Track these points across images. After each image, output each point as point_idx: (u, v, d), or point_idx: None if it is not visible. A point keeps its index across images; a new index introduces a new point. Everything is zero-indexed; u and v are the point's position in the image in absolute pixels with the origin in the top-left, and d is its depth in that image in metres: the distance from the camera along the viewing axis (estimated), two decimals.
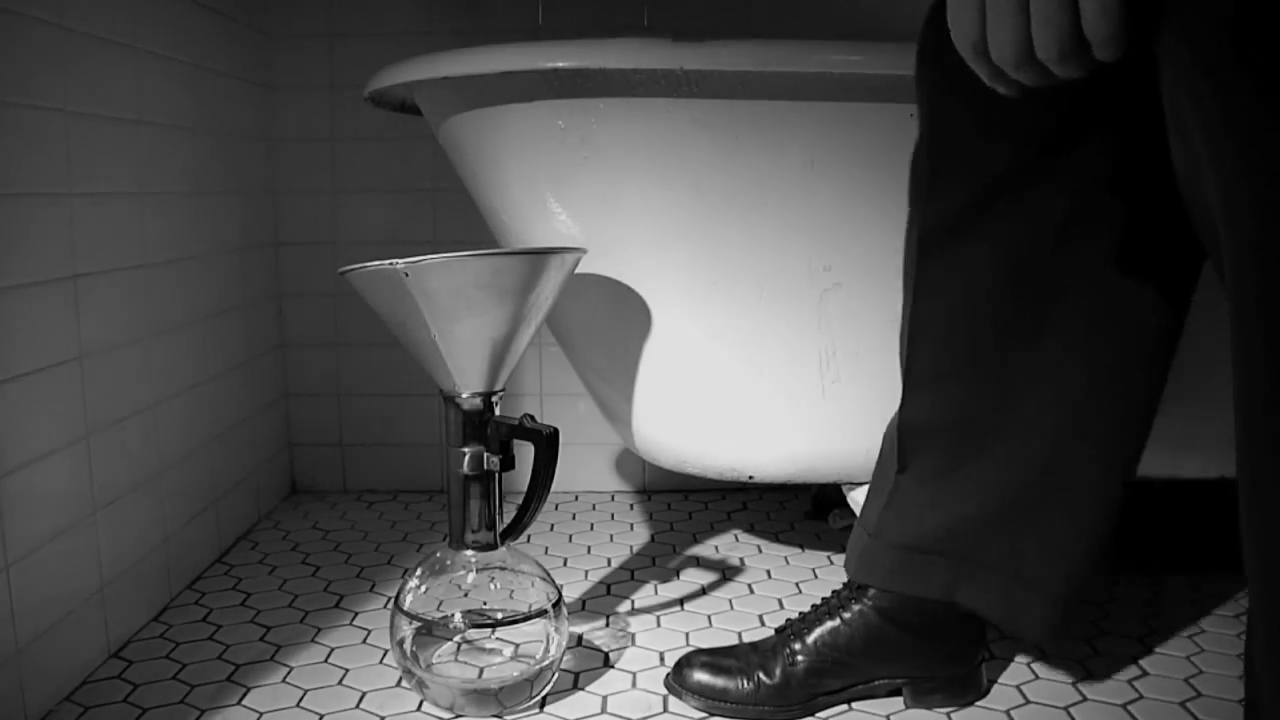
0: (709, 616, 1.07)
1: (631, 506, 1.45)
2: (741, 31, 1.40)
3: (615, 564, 1.23)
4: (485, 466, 0.84)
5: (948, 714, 0.87)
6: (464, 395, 0.84)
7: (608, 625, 1.05)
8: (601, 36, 0.90)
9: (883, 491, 0.87)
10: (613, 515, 1.41)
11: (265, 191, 1.43)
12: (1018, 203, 0.76)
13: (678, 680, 0.88)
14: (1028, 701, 0.89)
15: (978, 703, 0.88)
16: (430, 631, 0.84)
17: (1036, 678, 0.93)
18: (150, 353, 1.06)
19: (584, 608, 1.09)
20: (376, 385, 1.50)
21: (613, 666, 0.96)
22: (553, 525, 1.37)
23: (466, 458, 0.84)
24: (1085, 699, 0.89)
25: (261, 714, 0.87)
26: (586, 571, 1.20)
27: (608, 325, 1.04)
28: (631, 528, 1.36)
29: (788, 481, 1.03)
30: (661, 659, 0.97)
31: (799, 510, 1.42)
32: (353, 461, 1.53)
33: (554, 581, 0.89)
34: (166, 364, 1.10)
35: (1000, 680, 0.92)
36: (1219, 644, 1.00)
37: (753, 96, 0.89)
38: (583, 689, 0.91)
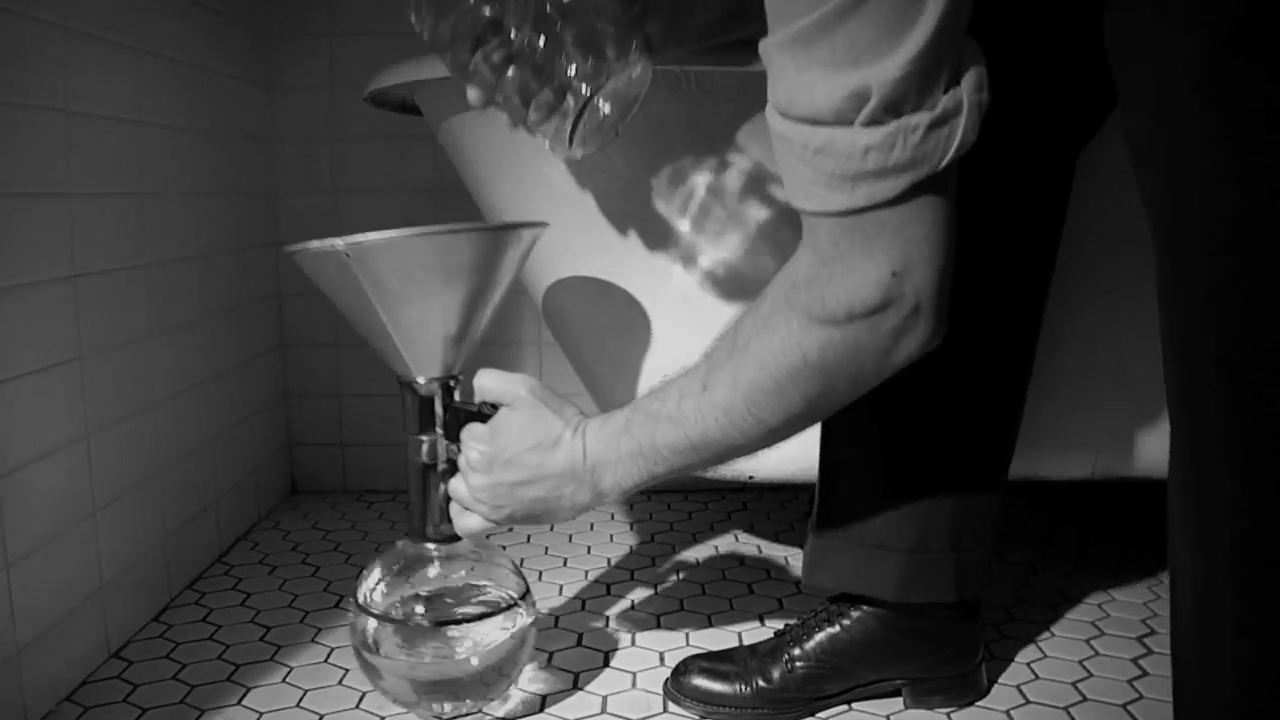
0: (709, 616, 1.07)
1: (631, 507, 1.45)
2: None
3: (615, 564, 1.23)
4: (445, 455, 0.81)
5: (948, 714, 0.87)
6: (420, 381, 0.80)
7: (607, 625, 1.05)
8: None
9: (819, 490, 0.88)
10: (613, 515, 1.41)
11: (265, 191, 1.43)
12: None
13: (676, 687, 0.88)
14: (1028, 701, 0.89)
15: (978, 703, 0.88)
16: (391, 629, 0.81)
17: (1036, 678, 0.93)
18: (150, 353, 1.06)
19: (584, 608, 1.09)
20: (376, 385, 1.50)
21: (613, 666, 0.96)
22: (552, 525, 1.37)
23: (424, 446, 0.80)
24: (1085, 699, 0.89)
25: (261, 714, 0.87)
26: (586, 571, 1.20)
27: (608, 325, 1.04)
28: (631, 528, 1.36)
29: (788, 481, 1.03)
30: (661, 659, 0.97)
31: (799, 510, 1.42)
32: (353, 461, 1.53)
33: (521, 573, 0.86)
34: (166, 364, 1.10)
35: (1000, 680, 0.92)
36: None
37: (754, 98, 0.89)
38: (583, 689, 0.91)
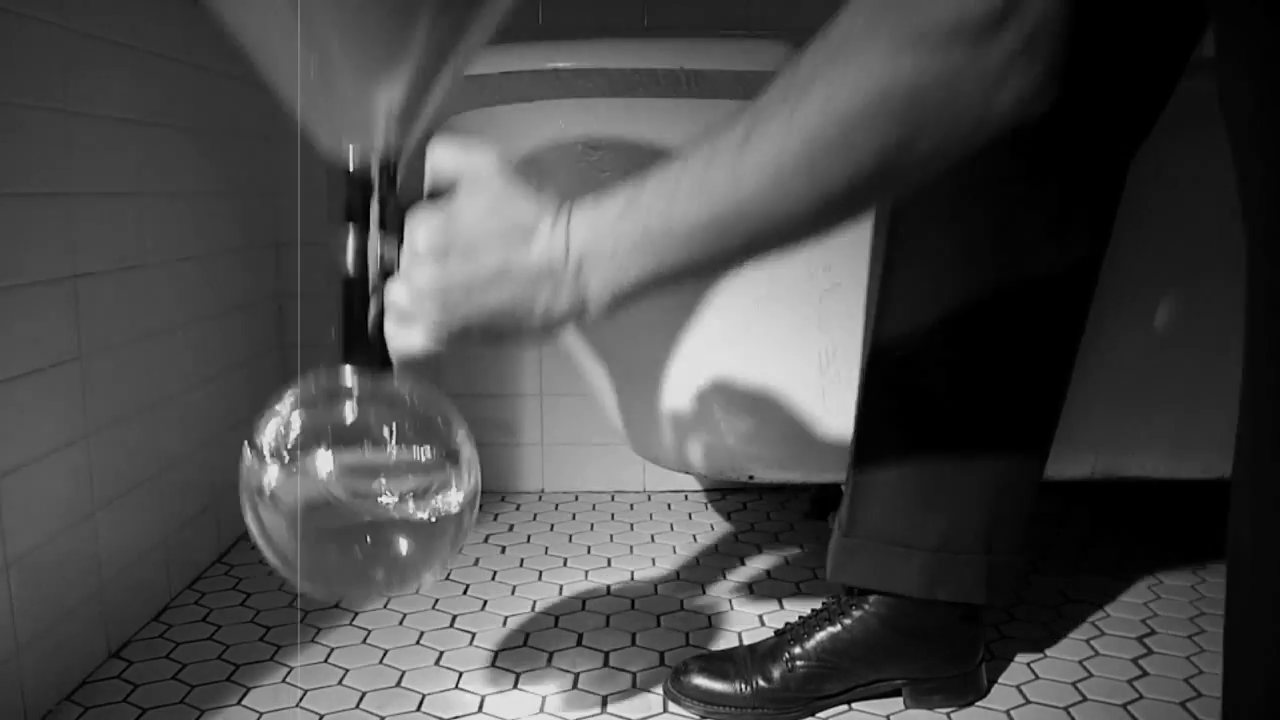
0: (709, 616, 1.07)
1: (631, 506, 1.45)
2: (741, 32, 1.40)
3: (615, 564, 1.23)
4: (381, 256, 0.60)
5: (948, 714, 0.87)
6: (352, 154, 0.60)
7: (607, 625, 1.05)
8: (601, 36, 0.90)
9: (850, 486, 0.88)
10: (613, 515, 1.41)
11: (265, 191, 1.43)
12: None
13: (676, 687, 0.88)
14: (1028, 701, 0.89)
15: (978, 703, 0.88)
16: (292, 478, 0.61)
17: (1036, 678, 0.93)
18: (150, 353, 1.06)
19: (584, 608, 1.09)
20: None
21: (612, 666, 0.96)
22: (553, 525, 1.36)
23: (353, 242, 0.59)
24: (1085, 699, 0.89)
25: (261, 714, 0.87)
26: (587, 571, 1.20)
27: (608, 326, 1.04)
28: (631, 528, 1.36)
29: (788, 481, 1.03)
30: (661, 659, 0.97)
31: (799, 510, 1.43)
32: None
33: (462, 420, 0.65)
34: (166, 364, 1.10)
35: (1000, 680, 0.92)
36: (1219, 644, 1.00)
37: (753, 96, 0.89)
38: (582, 689, 0.91)
